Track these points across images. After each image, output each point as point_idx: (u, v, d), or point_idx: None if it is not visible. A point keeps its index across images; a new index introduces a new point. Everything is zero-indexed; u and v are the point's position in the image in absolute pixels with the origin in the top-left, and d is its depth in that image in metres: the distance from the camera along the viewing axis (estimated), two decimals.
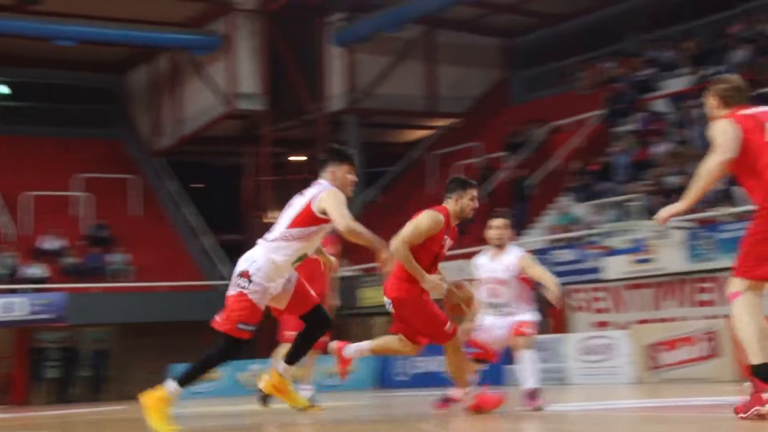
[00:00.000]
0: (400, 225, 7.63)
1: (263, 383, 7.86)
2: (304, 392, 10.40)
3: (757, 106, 6.17)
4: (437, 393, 9.02)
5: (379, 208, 26.93)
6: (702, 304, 16.72)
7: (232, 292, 6.88)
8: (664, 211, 6.12)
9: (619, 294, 18.18)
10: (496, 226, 8.58)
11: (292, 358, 7.41)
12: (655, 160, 20.20)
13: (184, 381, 6.76)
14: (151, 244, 26.32)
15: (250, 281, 6.79)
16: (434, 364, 19.55)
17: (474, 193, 7.68)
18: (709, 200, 17.58)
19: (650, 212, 18.30)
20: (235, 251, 28.71)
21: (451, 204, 7.64)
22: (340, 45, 27.35)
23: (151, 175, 29.59)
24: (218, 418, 10.90)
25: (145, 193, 28.42)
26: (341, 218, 6.72)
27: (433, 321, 7.57)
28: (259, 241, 7.07)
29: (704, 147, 19.48)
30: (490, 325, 8.43)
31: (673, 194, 18.30)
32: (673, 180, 18.89)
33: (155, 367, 20.51)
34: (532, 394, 8.14)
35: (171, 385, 6.72)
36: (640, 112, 22.29)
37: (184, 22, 27.42)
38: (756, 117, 6.04)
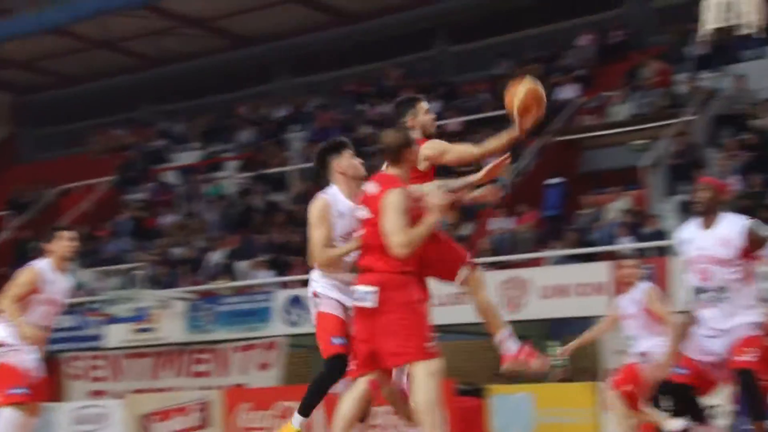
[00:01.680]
0: None
1: None
2: None
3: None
4: None
5: None
6: (198, 374, 17.10)
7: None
8: None
9: (118, 363, 18.08)
10: (71, 238, 8.20)
11: None
12: (162, 230, 20.49)
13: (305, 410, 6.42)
14: None
15: (318, 297, 6.46)
16: None
17: (426, 106, 6.73)
18: (211, 273, 18.15)
19: (154, 282, 18.49)
20: None
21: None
22: None
23: None
24: None
25: None
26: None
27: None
28: None
29: (210, 222, 20.10)
30: None
31: (178, 265, 18.68)
32: (179, 251, 19.26)
33: None
34: None
35: (297, 419, 6.39)
36: (150, 181, 22.55)
37: None
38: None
